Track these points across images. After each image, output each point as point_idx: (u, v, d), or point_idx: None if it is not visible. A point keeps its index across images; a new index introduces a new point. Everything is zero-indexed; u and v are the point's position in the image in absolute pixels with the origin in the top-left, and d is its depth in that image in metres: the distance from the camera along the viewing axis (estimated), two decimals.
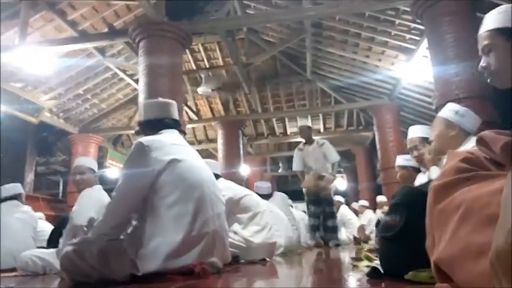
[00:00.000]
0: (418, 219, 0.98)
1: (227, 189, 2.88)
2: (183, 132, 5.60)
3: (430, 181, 1.32)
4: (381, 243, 1.24)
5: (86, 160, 3.12)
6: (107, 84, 9.23)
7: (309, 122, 11.53)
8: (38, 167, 11.09)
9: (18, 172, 9.93)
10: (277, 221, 3.78)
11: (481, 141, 0.74)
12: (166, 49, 5.34)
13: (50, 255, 2.63)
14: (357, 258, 2.10)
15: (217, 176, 2.99)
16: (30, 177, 10.34)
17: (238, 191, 2.95)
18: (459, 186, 0.70)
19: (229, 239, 2.62)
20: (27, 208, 3.70)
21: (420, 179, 3.18)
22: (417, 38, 6.72)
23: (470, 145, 1.91)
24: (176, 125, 2.11)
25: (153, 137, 1.90)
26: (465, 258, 0.61)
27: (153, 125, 2.04)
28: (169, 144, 1.87)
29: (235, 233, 2.74)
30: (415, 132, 2.87)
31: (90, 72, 8.50)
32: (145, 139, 1.86)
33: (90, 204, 2.67)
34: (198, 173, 1.88)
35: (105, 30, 6.78)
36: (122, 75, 8.80)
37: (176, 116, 2.15)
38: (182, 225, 1.71)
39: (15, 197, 3.68)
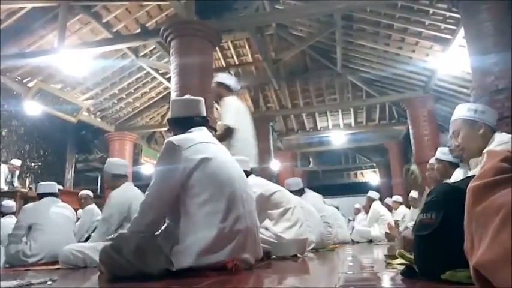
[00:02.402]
0: (455, 218, 0.95)
1: (257, 185, 2.89)
2: (213, 129, 5.68)
3: (467, 178, 1.28)
4: (416, 242, 1.20)
5: (110, 165, 3.20)
6: (140, 83, 9.49)
7: (339, 117, 11.42)
8: (77, 164, 11.58)
9: (59, 169, 10.43)
10: (309, 216, 3.76)
11: None
12: (196, 48, 5.42)
13: (89, 249, 2.75)
14: (391, 256, 2.06)
15: (247, 173, 3.02)
16: (70, 174, 10.83)
17: (268, 187, 2.95)
18: (499, 187, 0.68)
19: (261, 235, 2.64)
20: (64, 204, 3.87)
21: (457, 175, 3.07)
22: (453, 28, 6.45)
23: (499, 141, 1.84)
24: (205, 122, 2.11)
25: (184, 136, 1.92)
26: (506, 263, 0.59)
27: (182, 122, 2.05)
28: (199, 142, 1.88)
29: (266, 229, 2.76)
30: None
31: (124, 72, 8.76)
32: (175, 138, 1.88)
33: (114, 207, 2.83)
34: (229, 171, 1.90)
35: (138, 30, 6.95)
36: (154, 74, 9.01)
37: (204, 113, 2.15)
38: (214, 222, 1.73)
39: (54, 194, 3.86)
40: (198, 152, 1.83)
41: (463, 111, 1.99)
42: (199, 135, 1.98)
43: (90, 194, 5.11)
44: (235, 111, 3.46)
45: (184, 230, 1.75)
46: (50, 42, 6.97)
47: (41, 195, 3.86)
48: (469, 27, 4.99)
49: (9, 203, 5.07)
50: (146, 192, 1.87)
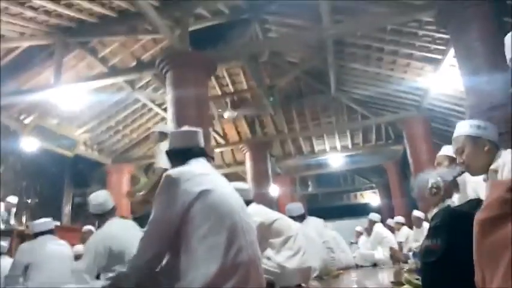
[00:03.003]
0: (460, 244, 0.94)
1: (258, 214, 2.86)
2: (211, 158, 5.66)
3: (470, 201, 1.27)
4: (423, 270, 1.18)
5: (90, 205, 3.16)
6: (137, 115, 9.54)
7: (336, 139, 11.47)
8: (75, 198, 11.46)
9: (56, 205, 10.31)
10: (311, 243, 3.71)
11: None
12: (191, 78, 5.50)
13: None
14: (398, 283, 2.02)
15: (249, 202, 3.00)
16: (67, 208, 10.70)
17: (269, 215, 2.92)
18: (507, 220, 0.67)
19: (263, 265, 2.59)
20: (62, 242, 3.80)
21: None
22: (443, 48, 6.58)
23: (504, 158, 1.83)
24: (203, 153, 2.10)
25: (182, 169, 1.90)
26: None
27: (181, 154, 2.04)
28: (198, 174, 1.86)
29: (268, 258, 2.71)
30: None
31: (120, 105, 8.83)
32: (174, 171, 1.86)
33: (88, 257, 2.76)
34: (229, 202, 1.87)
35: (134, 64, 7.06)
36: (151, 105, 9.08)
37: (202, 143, 2.14)
38: (216, 256, 1.69)
39: (50, 231, 3.79)
40: (197, 184, 1.80)
41: (465, 128, 1.98)
42: (198, 166, 1.97)
43: (93, 229, 5.03)
44: None
45: (185, 265, 1.71)
46: (47, 79, 7.05)
47: (37, 234, 3.79)
48: (459, 48, 5.10)
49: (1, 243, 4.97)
50: (145, 228, 1.84)
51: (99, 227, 3.05)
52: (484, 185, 2.54)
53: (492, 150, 1.86)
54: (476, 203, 1.19)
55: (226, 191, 1.95)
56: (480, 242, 0.72)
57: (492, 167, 1.96)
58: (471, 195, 2.50)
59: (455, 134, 2.05)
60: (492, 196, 0.75)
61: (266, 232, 2.81)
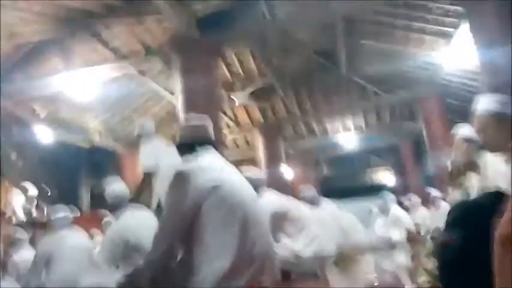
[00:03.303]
0: (478, 238, 0.90)
1: (272, 202, 2.85)
2: (223, 145, 5.65)
3: (488, 193, 1.21)
4: (440, 268, 1.15)
5: (106, 195, 3.19)
6: (150, 103, 9.56)
7: (349, 119, 11.32)
8: (93, 187, 11.68)
9: (75, 195, 10.54)
10: (326, 228, 3.69)
11: None
12: (199, 64, 5.45)
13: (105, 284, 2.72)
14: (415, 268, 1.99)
15: (262, 189, 2.98)
16: (86, 198, 10.94)
17: (283, 203, 2.91)
18: None
19: (278, 255, 2.59)
20: (81, 233, 3.87)
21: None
22: (455, 20, 6.35)
23: None
24: (214, 144, 2.09)
25: (192, 164, 1.90)
26: None
27: (191, 147, 2.03)
28: (208, 168, 1.86)
29: (284, 247, 2.71)
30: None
31: (133, 94, 8.85)
32: (184, 167, 1.87)
33: (106, 248, 2.81)
34: (240, 193, 1.86)
35: (143, 52, 7.04)
36: (163, 93, 9.06)
37: (213, 135, 2.14)
38: (229, 250, 1.69)
39: (68, 221, 3.86)
40: (207, 180, 1.79)
41: (488, 104, 1.82)
42: (208, 159, 1.95)
43: (112, 219, 5.11)
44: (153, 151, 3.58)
45: (199, 260, 1.72)
46: (58, 69, 7.08)
47: (57, 226, 3.85)
48: (474, 20, 4.91)
49: (23, 233, 5.10)
50: (158, 224, 1.86)
51: (116, 217, 3.09)
52: (506, 168, 2.46)
53: None
54: (495, 196, 1.14)
55: (237, 183, 1.93)
56: (502, 259, 0.68)
57: None
58: (492, 176, 2.38)
59: (477, 111, 1.87)
60: (508, 216, 0.71)
61: (281, 220, 2.80)
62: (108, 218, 5.11)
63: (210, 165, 1.89)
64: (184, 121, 2.16)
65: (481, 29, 4.72)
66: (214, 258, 1.69)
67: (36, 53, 6.87)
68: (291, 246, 2.70)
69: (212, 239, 1.72)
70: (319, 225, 3.19)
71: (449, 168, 3.39)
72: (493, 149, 1.85)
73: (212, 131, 2.16)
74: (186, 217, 1.78)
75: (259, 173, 3.03)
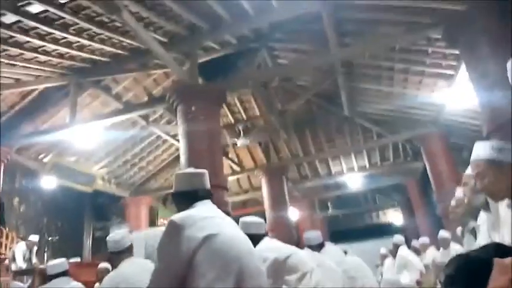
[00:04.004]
0: None
1: (272, 249, 2.78)
2: (225, 189, 5.61)
3: (487, 246, 1.17)
4: None
5: (108, 243, 3.14)
6: (152, 147, 9.67)
7: (353, 160, 11.30)
8: (95, 232, 11.55)
9: (77, 240, 10.40)
10: (330, 274, 3.58)
11: None
12: (201, 110, 5.54)
13: None
14: None
15: (262, 236, 2.92)
16: (88, 243, 10.78)
17: (283, 250, 2.83)
18: None
19: None
20: (76, 284, 3.77)
21: (482, 219, 2.88)
22: (454, 63, 6.48)
23: None
24: (209, 195, 2.07)
25: (185, 213, 1.86)
26: None
27: (186, 197, 2.02)
28: (202, 218, 1.82)
29: None
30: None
31: (135, 138, 8.99)
32: (177, 217, 1.83)
33: None
34: (236, 246, 1.82)
35: (146, 99, 7.21)
36: (165, 137, 9.19)
37: (208, 185, 2.11)
38: None
39: (64, 273, 3.78)
40: (201, 230, 1.76)
41: (485, 150, 1.80)
42: (203, 210, 1.93)
43: (109, 267, 5.00)
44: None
45: None
46: (63, 118, 7.24)
47: (51, 276, 3.78)
48: (470, 64, 5.00)
49: (18, 285, 4.98)
50: (151, 277, 1.81)
51: (115, 265, 3.03)
52: (507, 212, 2.41)
53: None
54: (493, 248, 1.10)
55: (232, 235, 1.89)
56: None
57: None
58: (503, 216, 2.31)
59: (473, 157, 1.86)
60: (497, 283, 0.68)
61: (281, 268, 2.72)
62: (103, 264, 4.99)
63: (204, 216, 1.85)
64: (181, 170, 2.16)
65: (478, 71, 4.79)
66: None
67: (42, 101, 7.06)
68: None
69: None
70: (321, 272, 3.09)
71: (453, 205, 3.33)
72: (491, 196, 1.83)
73: (208, 181, 2.15)
74: (180, 269, 1.73)
75: (259, 220, 2.97)
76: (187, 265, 1.72)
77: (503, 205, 2.20)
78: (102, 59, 6.46)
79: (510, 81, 1.27)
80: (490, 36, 4.71)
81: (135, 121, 8.30)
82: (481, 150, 1.86)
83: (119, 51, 6.30)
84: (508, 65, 1.28)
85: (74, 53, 6.03)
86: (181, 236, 1.74)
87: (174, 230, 1.77)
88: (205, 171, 2.16)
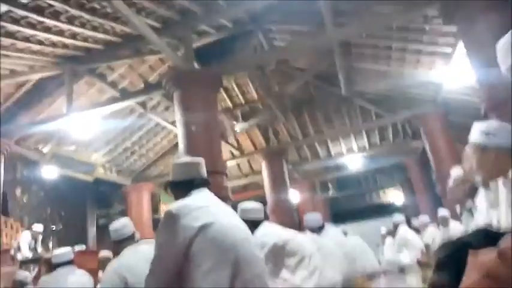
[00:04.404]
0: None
1: (271, 234, 2.80)
2: (224, 174, 5.62)
3: (476, 232, 1.18)
4: None
5: (110, 232, 3.16)
6: (151, 134, 9.65)
7: (352, 141, 11.29)
8: (99, 219, 11.66)
9: (81, 228, 10.51)
10: (330, 256, 3.61)
11: (501, 256, 0.63)
12: (198, 96, 5.50)
13: None
14: None
15: (261, 221, 2.94)
16: (92, 231, 10.90)
17: (282, 235, 2.85)
18: None
19: None
20: (82, 272, 3.81)
21: (480, 198, 2.89)
22: (452, 41, 6.40)
23: None
24: (206, 183, 2.08)
25: (181, 203, 1.87)
26: None
27: (182, 186, 2.03)
28: (197, 207, 1.83)
29: (284, 280, 2.64)
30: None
31: (134, 126, 8.95)
32: (173, 206, 1.84)
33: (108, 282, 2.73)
34: (232, 234, 1.83)
35: (142, 85, 7.15)
36: (164, 124, 9.16)
37: (205, 174, 2.12)
38: None
39: (70, 261, 3.81)
40: (197, 219, 1.77)
41: (476, 133, 1.85)
42: (200, 198, 1.94)
43: (110, 255, 5.04)
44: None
45: None
46: (59, 108, 7.21)
47: (57, 265, 3.82)
48: (468, 41, 4.93)
49: (24, 274, 5.04)
50: (150, 266, 1.83)
51: (117, 253, 3.06)
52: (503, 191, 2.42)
53: (501, 157, 1.74)
54: (483, 234, 1.10)
55: (228, 223, 1.90)
56: None
57: (509, 174, 1.85)
58: (501, 194, 2.31)
59: (470, 138, 1.89)
60: (469, 280, 0.68)
61: (280, 252, 2.75)
62: (105, 253, 5.04)
63: (200, 204, 1.86)
64: (178, 159, 2.16)
65: (475, 48, 4.73)
66: None
67: (38, 91, 7.01)
68: (290, 279, 2.63)
69: (203, 280, 1.68)
70: (321, 256, 3.12)
71: (450, 185, 3.34)
72: (482, 180, 1.84)
73: (204, 169, 2.15)
74: (177, 258, 1.75)
75: (257, 205, 2.98)
76: (184, 254, 1.73)
77: (500, 183, 2.22)
78: (96, 46, 6.38)
79: (503, 65, 1.24)
80: (487, 12, 4.63)
81: (132, 108, 8.27)
82: (473, 131, 1.88)
83: (112, 38, 6.22)
84: (498, 45, 1.25)
85: (67, 41, 5.95)
86: (177, 226, 1.75)
87: (171, 220, 1.78)
88: (201, 159, 2.16)
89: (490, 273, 0.66)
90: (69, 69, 6.66)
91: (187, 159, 2.20)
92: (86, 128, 7.47)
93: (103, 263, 4.79)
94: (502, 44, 1.22)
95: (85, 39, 6.11)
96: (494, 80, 4.29)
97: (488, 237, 1.06)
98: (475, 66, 4.74)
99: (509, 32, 1.18)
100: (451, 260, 1.08)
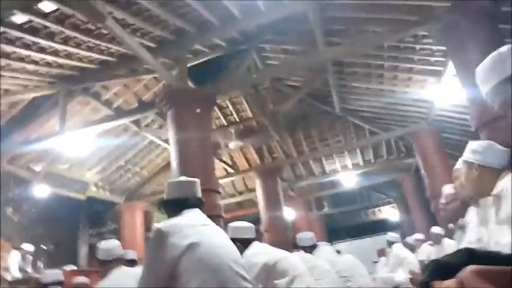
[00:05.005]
0: None
1: (261, 254, 2.79)
2: (217, 192, 5.61)
3: (459, 251, 1.19)
4: None
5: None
6: (145, 152, 9.64)
7: (346, 158, 11.34)
8: (91, 238, 11.50)
9: (72, 248, 10.35)
10: (322, 275, 3.59)
11: (460, 285, 0.64)
12: (191, 115, 5.52)
13: None
14: None
15: (251, 240, 2.93)
16: (84, 250, 10.73)
17: (272, 254, 2.83)
18: None
19: None
20: None
21: (470, 215, 2.91)
22: (442, 59, 6.52)
23: (505, 183, 1.77)
24: (199, 203, 2.09)
25: (171, 221, 1.90)
26: None
27: (175, 204, 2.05)
28: (188, 226, 1.85)
29: None
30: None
31: (128, 144, 8.94)
32: (163, 224, 1.86)
33: None
34: (220, 254, 1.83)
35: (136, 104, 7.18)
36: (158, 141, 9.16)
37: (199, 194, 2.14)
38: None
39: (59, 283, 3.78)
40: (185, 237, 1.78)
41: (466, 151, 1.93)
42: (190, 217, 1.95)
43: (87, 281, 4.93)
44: None
45: None
46: (53, 127, 7.20)
47: (46, 286, 3.78)
48: (457, 60, 5.04)
49: None
50: (138, 283, 1.84)
51: (104, 275, 3.04)
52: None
53: (484, 176, 1.81)
54: (465, 253, 1.11)
55: (217, 243, 1.90)
56: None
57: (494, 192, 1.89)
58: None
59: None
60: None
61: (271, 272, 2.72)
62: (80, 279, 4.92)
63: (189, 224, 1.88)
64: (172, 179, 2.18)
65: (465, 67, 4.82)
66: None
67: (32, 110, 7.02)
68: None
69: None
70: (313, 275, 3.10)
71: (442, 203, 3.36)
72: (470, 195, 1.89)
73: (199, 189, 2.16)
74: (164, 277, 1.75)
75: (248, 225, 2.98)
76: (171, 272, 1.74)
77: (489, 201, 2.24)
78: (91, 66, 6.43)
79: (482, 89, 1.28)
80: (476, 31, 4.74)
81: (126, 127, 8.27)
82: (466, 149, 1.95)
83: (107, 58, 6.27)
84: (477, 70, 1.29)
85: (62, 61, 5.99)
86: (166, 243, 1.77)
87: (160, 237, 1.80)
88: (196, 180, 2.19)
89: None
90: (64, 89, 6.68)
91: (182, 178, 2.22)
92: (79, 147, 7.46)
93: None
94: (479, 69, 1.26)
95: (80, 60, 6.16)
96: (483, 98, 4.35)
97: (470, 256, 1.07)
98: (465, 85, 4.82)
99: (487, 58, 1.22)
100: (432, 280, 1.08)
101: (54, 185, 8.07)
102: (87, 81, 6.79)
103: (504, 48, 1.15)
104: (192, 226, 1.87)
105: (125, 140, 8.70)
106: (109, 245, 3.18)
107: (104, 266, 3.08)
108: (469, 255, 1.08)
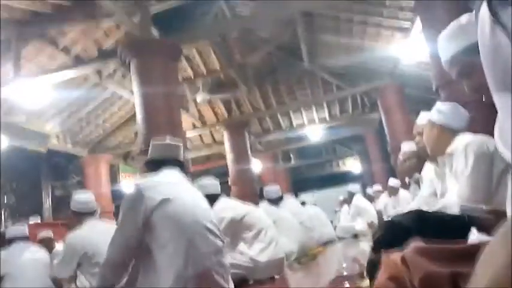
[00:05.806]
0: None
1: (228, 209, 2.86)
2: (184, 147, 5.57)
3: (409, 213, 1.26)
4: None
5: (72, 201, 3.12)
6: (107, 104, 9.29)
7: (313, 112, 11.49)
8: (55, 191, 11.30)
9: (35, 200, 10.15)
10: (287, 227, 3.75)
11: (403, 262, 0.68)
12: (156, 66, 5.31)
13: None
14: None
15: (217, 196, 2.98)
16: (48, 202, 10.57)
17: (239, 209, 2.92)
18: None
19: (235, 261, 2.61)
20: (36, 247, 3.74)
21: (426, 169, 3.07)
22: (411, 16, 6.53)
23: (457, 143, 1.88)
24: (179, 164, 2.17)
25: (149, 178, 1.99)
26: None
27: (156, 164, 2.13)
28: (164, 183, 1.95)
29: (241, 253, 2.73)
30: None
31: (89, 95, 8.55)
32: (141, 181, 1.97)
33: (65, 255, 2.82)
34: (192, 211, 1.92)
35: (97, 53, 6.79)
36: (121, 92, 8.82)
37: (181, 156, 2.23)
38: (175, 264, 1.75)
39: (23, 237, 3.73)
40: (159, 193, 1.86)
41: (432, 110, 2.05)
42: (168, 176, 2.03)
43: (51, 234, 4.94)
44: None
45: (146, 273, 1.81)
46: (7, 74, 6.72)
47: (11, 240, 3.72)
48: (424, 17, 5.05)
49: None
50: (114, 231, 1.92)
51: (75, 225, 3.04)
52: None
53: (442, 136, 1.93)
54: (415, 215, 1.18)
55: (189, 201, 1.98)
56: None
57: (447, 150, 2.02)
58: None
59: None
60: (379, 278, 0.73)
61: (238, 226, 2.82)
62: (43, 233, 4.94)
63: (166, 181, 1.97)
64: (156, 139, 2.22)
65: (431, 25, 4.85)
66: (161, 271, 1.76)
67: None
68: (247, 252, 2.71)
69: (160, 253, 1.79)
70: (278, 227, 3.23)
71: (400, 159, 3.53)
72: (429, 152, 2.00)
73: (181, 152, 2.23)
74: (138, 227, 1.83)
75: (214, 181, 3.01)
76: (144, 225, 1.83)
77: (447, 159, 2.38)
78: (45, 10, 5.93)
79: (442, 57, 1.30)
80: None
81: (87, 76, 7.86)
82: (432, 110, 2.04)
83: (62, 1, 5.79)
84: (438, 38, 1.30)
85: (12, 3, 5.48)
86: (142, 197, 1.85)
87: (136, 192, 1.89)
88: (179, 143, 2.24)
89: (392, 277, 0.71)
90: (16, 33, 6.17)
91: (166, 140, 2.26)
92: (37, 97, 7.05)
93: (45, 243, 4.64)
94: (440, 37, 1.26)
95: (32, 2, 5.65)
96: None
97: (421, 218, 1.14)
98: (429, 42, 4.88)
99: (448, 27, 1.23)
100: (384, 240, 1.15)
101: (12, 136, 7.70)
102: (42, 25, 6.28)
103: (464, 18, 1.15)
104: (167, 184, 1.96)
105: (86, 91, 8.31)
106: (85, 198, 3.16)
107: (76, 217, 3.06)
108: (420, 217, 1.15)
